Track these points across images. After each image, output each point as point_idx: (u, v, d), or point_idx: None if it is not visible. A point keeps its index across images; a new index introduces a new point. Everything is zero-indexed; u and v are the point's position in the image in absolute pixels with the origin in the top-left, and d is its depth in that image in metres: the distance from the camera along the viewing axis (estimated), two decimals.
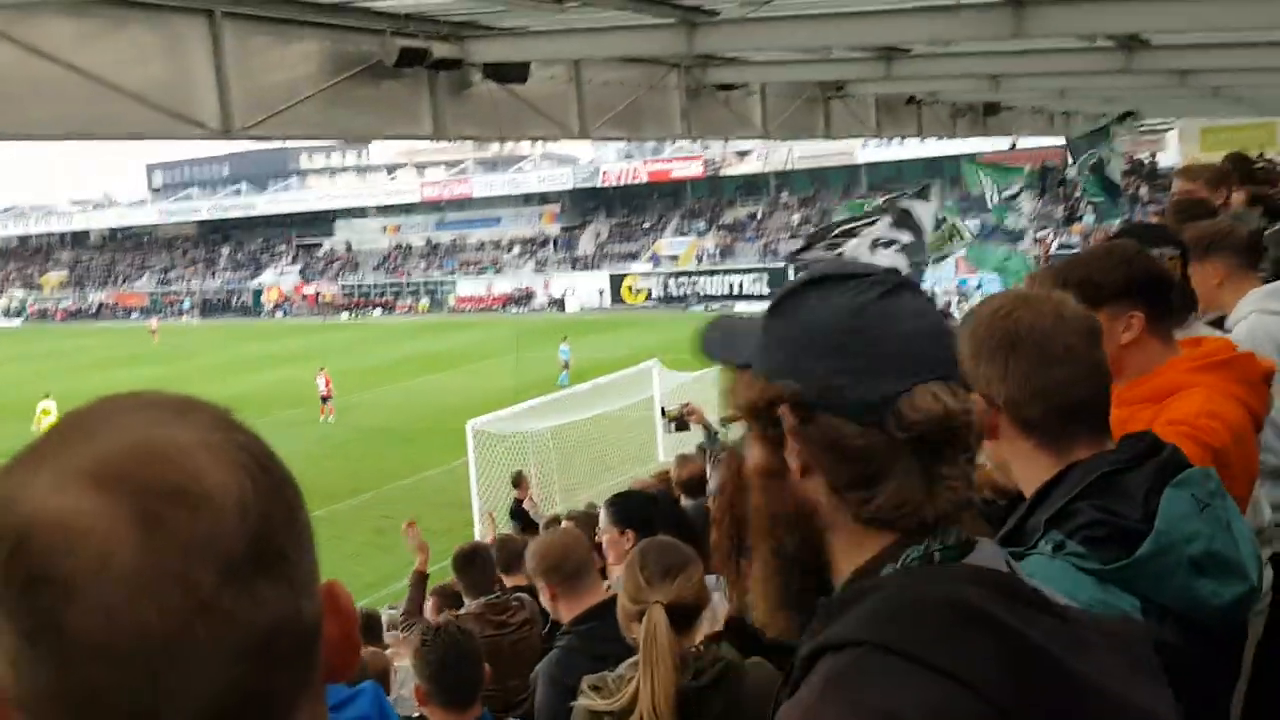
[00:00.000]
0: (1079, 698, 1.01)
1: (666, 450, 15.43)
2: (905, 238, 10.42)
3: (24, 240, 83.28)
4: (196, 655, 0.62)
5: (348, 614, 0.74)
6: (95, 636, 0.61)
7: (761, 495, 1.18)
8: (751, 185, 60.33)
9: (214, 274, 71.93)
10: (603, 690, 2.49)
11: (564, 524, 8.08)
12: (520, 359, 25.15)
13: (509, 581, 5.39)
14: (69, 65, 5.53)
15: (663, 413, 7.25)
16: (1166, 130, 36.00)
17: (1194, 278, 3.36)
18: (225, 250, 73.85)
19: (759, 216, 58.74)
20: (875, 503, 1.08)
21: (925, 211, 10.79)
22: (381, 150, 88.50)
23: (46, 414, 26.24)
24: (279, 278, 68.39)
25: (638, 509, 4.04)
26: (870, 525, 1.09)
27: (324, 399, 29.41)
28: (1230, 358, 2.24)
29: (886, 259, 9.82)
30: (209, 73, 6.32)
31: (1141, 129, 35.26)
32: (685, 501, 6.06)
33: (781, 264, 52.08)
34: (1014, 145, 26.22)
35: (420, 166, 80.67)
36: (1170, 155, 39.60)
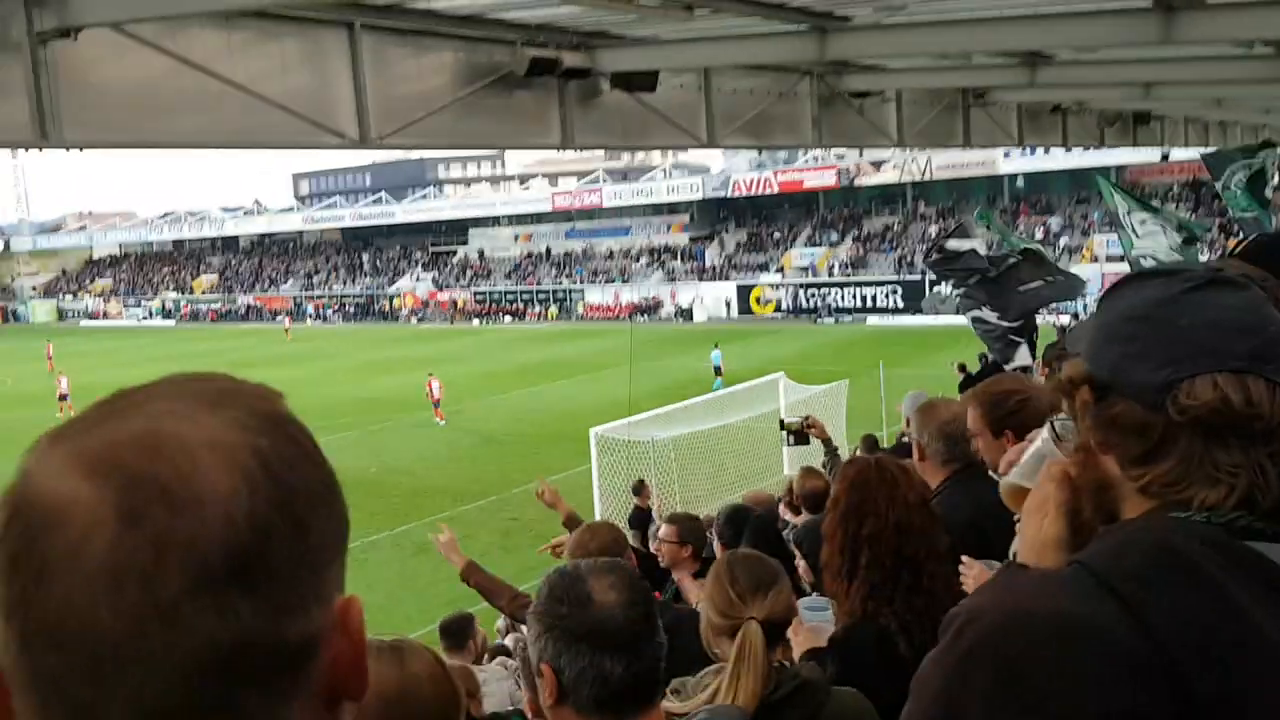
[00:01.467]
0: None
1: (791, 463, 15.23)
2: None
3: (178, 245, 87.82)
4: (147, 660, 0.61)
5: (358, 636, 0.71)
6: (52, 623, 0.61)
7: (1076, 466, 1.27)
8: (887, 196, 59.32)
9: (354, 280, 74.46)
10: (681, 694, 2.45)
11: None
12: (635, 370, 25.24)
13: None
14: (217, 76, 5.74)
15: (781, 425, 7.07)
16: None
17: None
18: (366, 257, 76.40)
19: (895, 228, 57.70)
20: (1150, 478, 1.15)
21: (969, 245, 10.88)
22: (516, 160, 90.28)
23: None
24: (415, 284, 70.36)
25: (699, 529, 4.50)
26: (1150, 498, 1.16)
27: (435, 403, 30.03)
28: None
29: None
30: (348, 84, 6.49)
31: None
32: (805, 517, 5.93)
33: (918, 276, 51.02)
34: (1166, 157, 25.09)
35: (552, 176, 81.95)
36: None
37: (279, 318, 67.81)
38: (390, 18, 6.50)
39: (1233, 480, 1.11)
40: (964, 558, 2.76)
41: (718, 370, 31.61)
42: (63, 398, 32.54)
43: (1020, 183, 54.63)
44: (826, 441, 6.76)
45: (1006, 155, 48.28)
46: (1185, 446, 1.12)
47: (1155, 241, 13.01)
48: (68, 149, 5.13)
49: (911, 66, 9.81)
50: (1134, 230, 13.30)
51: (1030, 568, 1.26)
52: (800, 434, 6.80)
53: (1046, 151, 41.98)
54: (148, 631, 0.61)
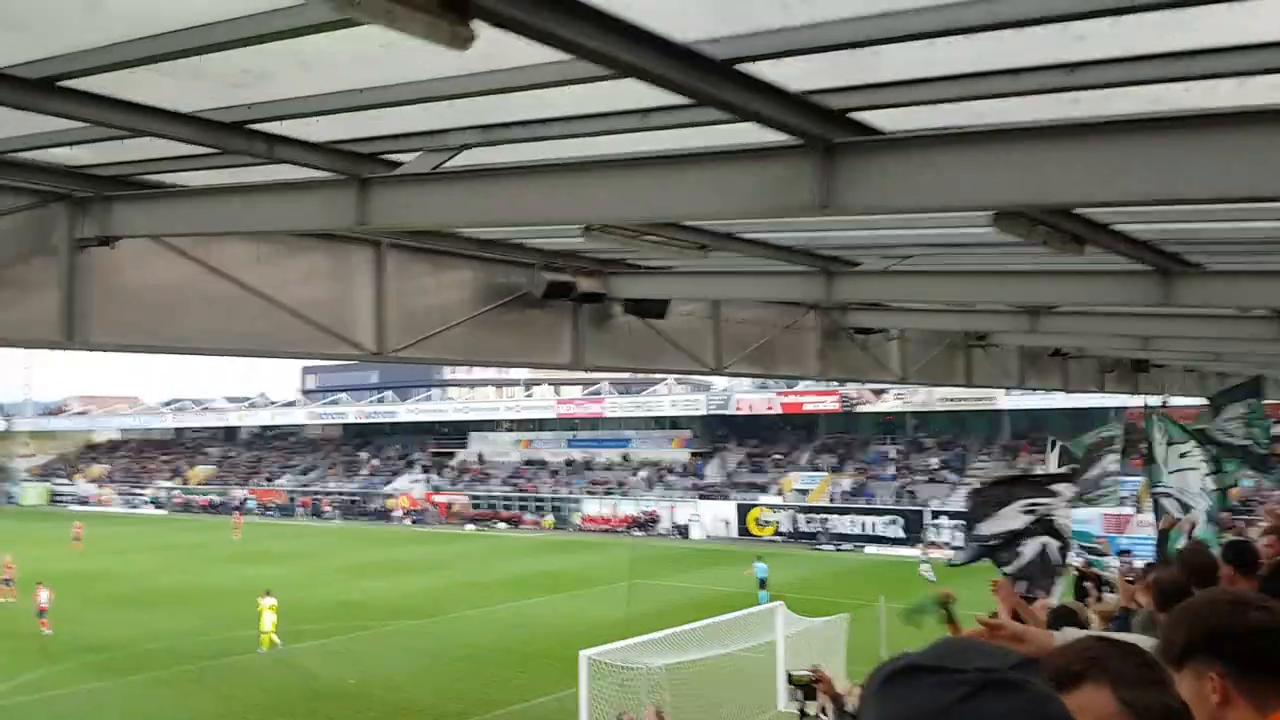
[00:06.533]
0: None
1: (786, 699, 14.66)
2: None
3: (179, 433, 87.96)
4: None
5: None
6: None
7: None
8: (889, 424, 59.75)
9: (352, 477, 74.11)
10: None
11: None
12: (633, 587, 24.77)
13: None
14: (241, 284, 5.89)
15: (789, 678, 6.82)
16: None
17: None
18: (365, 454, 76.30)
19: (896, 456, 57.77)
20: None
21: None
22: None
23: (272, 609, 26.72)
24: (411, 485, 69.96)
25: None
26: None
27: (41, 613, 29.57)
28: None
29: None
30: (369, 297, 6.64)
31: None
32: None
33: (919, 507, 50.61)
34: (1165, 403, 25.37)
35: (557, 384, 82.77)
36: None
37: (270, 512, 66.77)
38: (415, 238, 6.72)
39: None
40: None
41: (762, 583, 31.76)
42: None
43: (1020, 419, 55.09)
44: (835, 699, 6.47)
45: (1008, 392, 48.85)
46: None
47: (1184, 479, 12.88)
48: (90, 350, 5.20)
49: (915, 308, 10.05)
50: (1165, 463, 13.21)
51: None
52: (808, 689, 6.55)
53: (1047, 391, 42.49)
54: None
